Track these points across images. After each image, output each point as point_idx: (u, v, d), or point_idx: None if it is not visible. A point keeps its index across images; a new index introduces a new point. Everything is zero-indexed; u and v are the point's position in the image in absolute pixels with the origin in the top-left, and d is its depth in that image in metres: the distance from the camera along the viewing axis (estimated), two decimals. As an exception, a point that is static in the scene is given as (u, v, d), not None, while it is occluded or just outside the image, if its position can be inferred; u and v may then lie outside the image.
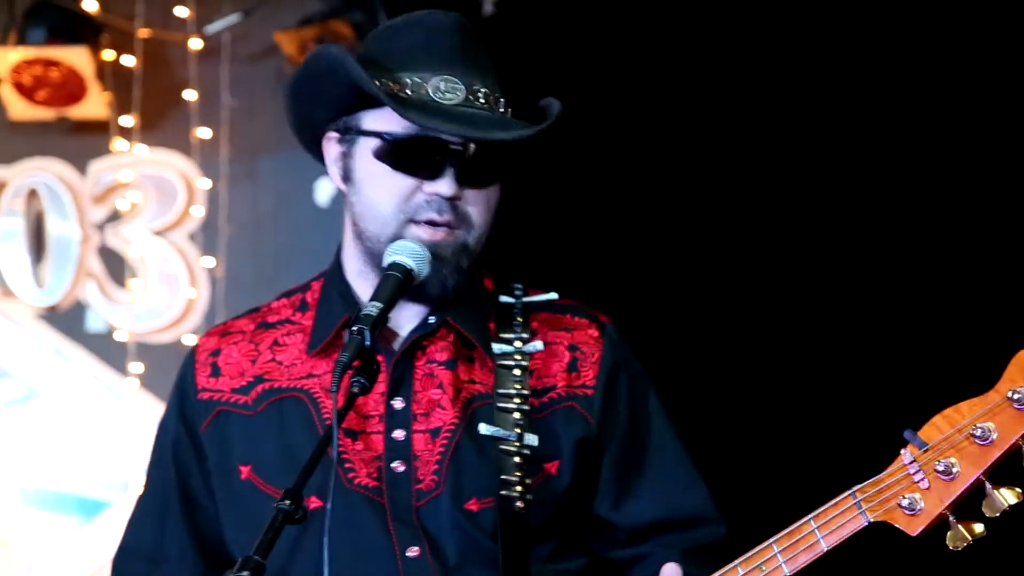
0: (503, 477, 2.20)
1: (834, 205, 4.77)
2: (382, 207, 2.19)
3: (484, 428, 2.19)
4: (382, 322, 2.07)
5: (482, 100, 2.21)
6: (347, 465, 2.22)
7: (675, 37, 4.85)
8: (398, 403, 2.23)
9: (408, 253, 2.15)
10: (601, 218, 4.86)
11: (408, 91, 2.19)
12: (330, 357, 2.24)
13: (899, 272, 4.65)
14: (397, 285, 2.12)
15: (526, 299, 2.39)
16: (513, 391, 2.26)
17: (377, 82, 2.18)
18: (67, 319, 5.05)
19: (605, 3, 4.96)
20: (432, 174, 2.15)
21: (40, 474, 5.01)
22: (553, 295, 2.37)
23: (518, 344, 2.30)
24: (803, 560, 1.98)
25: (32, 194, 4.99)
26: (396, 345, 2.26)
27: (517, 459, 2.22)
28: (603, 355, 2.34)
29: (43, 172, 5.01)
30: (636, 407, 2.35)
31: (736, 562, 2.04)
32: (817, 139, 4.73)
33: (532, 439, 2.21)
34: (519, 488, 2.21)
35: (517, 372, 2.29)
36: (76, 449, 5.04)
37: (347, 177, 2.25)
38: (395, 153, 2.16)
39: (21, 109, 4.91)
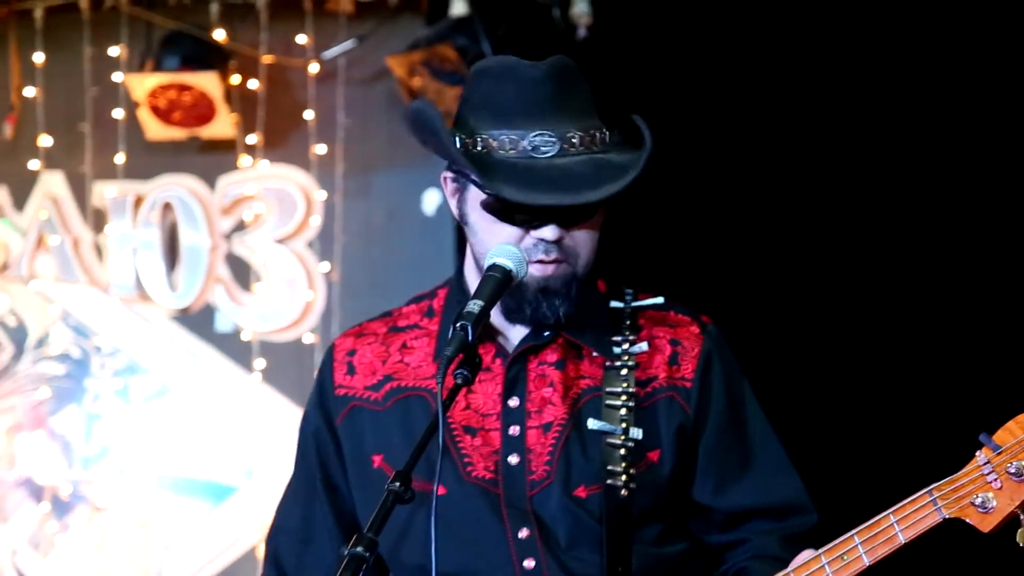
0: (609, 467, 2.30)
1: (924, 206, 4.76)
2: (483, 243, 2.34)
3: (592, 423, 2.29)
4: (483, 318, 2.14)
5: (576, 143, 2.29)
6: (466, 459, 2.35)
7: (764, 46, 4.88)
8: (513, 402, 2.35)
9: (507, 255, 2.23)
10: (706, 225, 4.91)
11: (504, 150, 2.28)
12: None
13: (986, 275, 4.60)
14: (497, 284, 2.20)
15: (635, 303, 2.47)
16: (620, 389, 2.35)
17: (478, 138, 2.29)
18: (197, 320, 5.24)
19: (695, 17, 4.98)
20: (535, 225, 2.26)
21: (174, 462, 5.20)
22: (660, 299, 2.46)
23: (626, 346, 2.39)
24: (882, 552, 2.06)
25: (167, 207, 5.19)
26: (510, 349, 2.37)
27: (623, 451, 2.30)
28: (702, 350, 2.41)
29: (176, 187, 5.23)
30: (732, 399, 2.43)
31: (820, 551, 2.12)
32: (918, 145, 4.70)
33: (637, 433, 2.30)
34: (624, 477, 2.29)
35: (624, 371, 2.37)
36: (206, 439, 5.24)
37: (462, 215, 2.36)
38: (500, 210, 2.27)
39: (157, 130, 5.10)
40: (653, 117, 2.88)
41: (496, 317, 2.33)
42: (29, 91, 5.22)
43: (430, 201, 5.08)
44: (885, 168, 4.91)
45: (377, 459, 2.35)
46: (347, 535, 2.28)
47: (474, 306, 2.12)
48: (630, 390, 2.34)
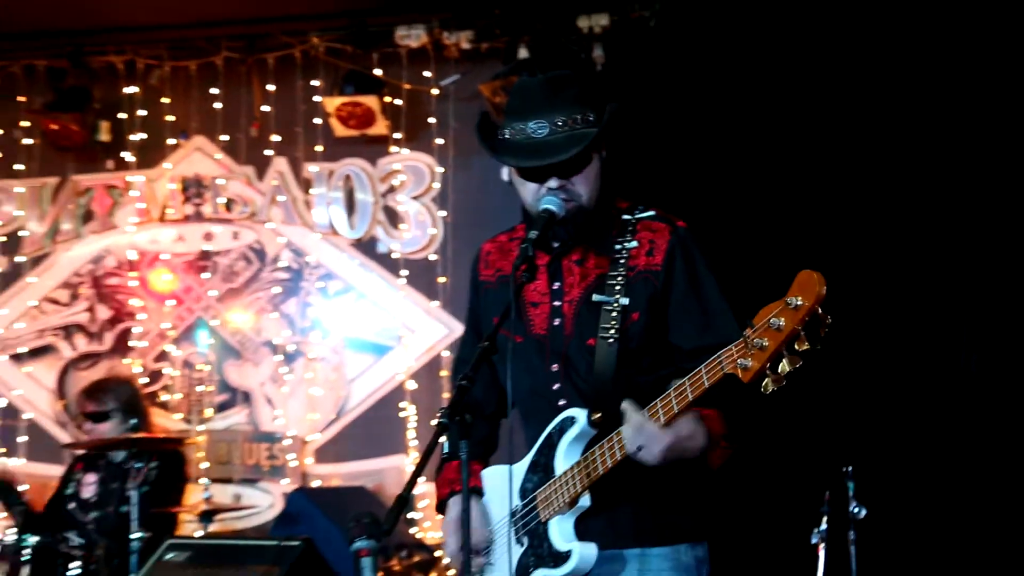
0: (604, 324, 2.62)
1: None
2: (528, 199, 2.65)
3: (595, 297, 2.62)
4: (540, 241, 2.55)
5: (561, 125, 2.58)
6: (531, 321, 2.72)
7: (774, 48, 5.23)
8: (555, 286, 2.70)
9: (550, 203, 2.59)
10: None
11: (514, 135, 2.61)
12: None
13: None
14: (545, 220, 2.58)
15: (637, 216, 2.72)
16: (617, 273, 2.65)
17: (505, 130, 2.62)
18: (366, 246, 6.23)
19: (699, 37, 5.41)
20: (543, 180, 2.60)
21: (353, 331, 6.22)
22: (652, 212, 2.72)
23: (624, 244, 2.67)
24: (700, 389, 2.33)
25: (347, 178, 6.20)
26: (553, 255, 2.68)
27: (614, 313, 2.61)
28: (668, 245, 2.65)
29: (353, 165, 6.22)
30: (691, 279, 2.64)
31: (685, 377, 2.39)
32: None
33: (624, 301, 2.61)
34: (613, 331, 2.61)
35: (621, 261, 2.66)
36: (372, 318, 6.21)
37: (511, 180, 2.73)
38: (520, 173, 2.64)
39: (341, 130, 6.08)
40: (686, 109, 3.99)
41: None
42: (265, 108, 6.29)
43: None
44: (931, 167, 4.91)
45: (496, 319, 2.60)
46: (473, 368, 2.44)
47: (532, 234, 2.54)
48: (623, 273, 2.64)
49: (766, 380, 2.22)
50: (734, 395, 2.40)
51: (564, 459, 2.58)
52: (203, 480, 5.60)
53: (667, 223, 2.69)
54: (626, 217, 2.71)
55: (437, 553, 5.70)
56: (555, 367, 2.67)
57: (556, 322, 2.69)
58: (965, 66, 4.87)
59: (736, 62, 5.39)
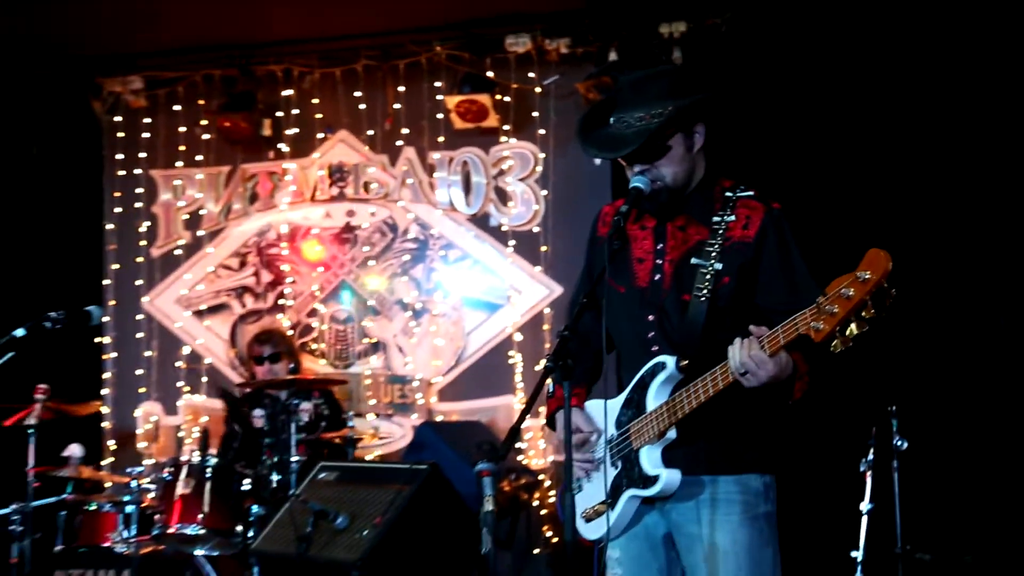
0: (699, 284, 2.59)
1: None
2: (628, 173, 2.64)
3: (693, 260, 2.62)
4: (629, 215, 2.57)
5: (638, 121, 2.55)
6: (636, 275, 2.70)
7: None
8: (659, 246, 2.69)
9: (639, 181, 2.60)
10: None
11: (604, 128, 2.63)
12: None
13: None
14: (634, 196, 2.59)
15: (738, 194, 2.66)
16: (714, 241, 2.62)
17: (610, 120, 2.61)
18: (480, 221, 6.25)
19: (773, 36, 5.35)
20: (631, 164, 2.62)
21: (470, 291, 6.25)
22: (752, 192, 2.66)
23: (723, 218, 2.63)
24: (783, 341, 2.32)
25: (464, 163, 6.25)
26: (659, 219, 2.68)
27: (708, 276, 2.59)
28: (762, 221, 2.61)
29: (469, 153, 6.25)
30: (781, 252, 2.60)
31: (776, 328, 2.36)
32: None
33: (718, 266, 2.59)
34: (706, 290, 2.58)
35: (719, 232, 2.62)
36: (485, 281, 6.24)
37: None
38: (620, 160, 2.64)
39: (459, 124, 6.09)
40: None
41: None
42: (397, 105, 6.32)
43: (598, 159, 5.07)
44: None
45: (605, 271, 2.59)
46: (578, 315, 2.53)
47: (624, 207, 2.57)
48: (719, 242, 2.61)
49: (835, 341, 2.22)
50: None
51: (654, 398, 2.60)
52: (348, 414, 5.69)
53: (763, 203, 2.66)
54: (728, 195, 2.68)
55: (540, 476, 5.76)
56: (651, 317, 2.66)
57: (656, 277, 2.67)
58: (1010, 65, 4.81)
59: (798, 61, 5.35)
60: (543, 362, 2.52)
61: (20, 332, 3.82)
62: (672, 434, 2.58)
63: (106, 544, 4.82)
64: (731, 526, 2.57)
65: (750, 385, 2.43)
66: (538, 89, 6.14)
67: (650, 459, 2.59)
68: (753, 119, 5.21)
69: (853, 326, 2.18)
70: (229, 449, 5.54)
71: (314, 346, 6.46)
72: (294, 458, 5.02)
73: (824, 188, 5.20)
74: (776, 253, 2.60)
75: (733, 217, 2.62)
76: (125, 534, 4.81)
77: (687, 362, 2.56)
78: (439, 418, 6.25)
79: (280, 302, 6.52)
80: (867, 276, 2.15)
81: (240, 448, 5.54)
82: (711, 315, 2.58)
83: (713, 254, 2.60)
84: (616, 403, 2.69)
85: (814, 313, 2.25)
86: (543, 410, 2.86)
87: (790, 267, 2.60)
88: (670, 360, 2.58)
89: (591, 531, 2.69)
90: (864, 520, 4.16)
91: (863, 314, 2.18)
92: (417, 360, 6.33)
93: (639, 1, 5.65)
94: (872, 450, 4.16)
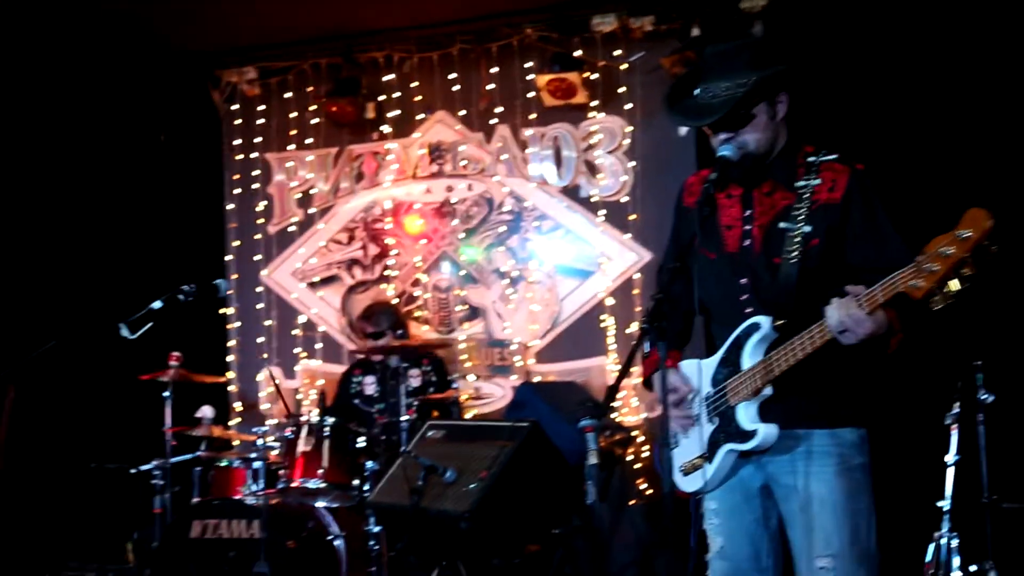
0: (788, 247, 2.56)
1: None
2: (714, 143, 2.61)
3: (781, 224, 2.58)
4: (719, 180, 2.55)
5: (724, 91, 2.52)
6: (725, 241, 2.68)
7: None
8: (747, 212, 2.66)
9: (724, 149, 2.58)
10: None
11: (695, 98, 2.59)
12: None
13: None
14: (721, 163, 2.56)
15: (821, 158, 2.61)
16: (801, 205, 2.58)
17: (695, 92, 2.59)
18: (570, 192, 6.18)
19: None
20: (716, 133, 2.60)
21: (562, 259, 6.19)
22: (835, 155, 2.61)
23: (808, 182, 2.58)
24: (884, 297, 2.27)
25: (555, 138, 6.19)
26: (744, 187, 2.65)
27: (797, 238, 2.55)
28: (848, 182, 2.56)
29: (559, 128, 6.19)
30: (867, 212, 2.55)
31: (875, 286, 2.32)
32: None
33: (807, 229, 2.55)
34: (795, 252, 2.55)
35: (805, 195, 2.58)
36: (577, 249, 6.17)
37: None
38: (706, 129, 2.61)
39: (549, 101, 6.05)
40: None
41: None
42: (490, 86, 6.22)
43: (683, 129, 5.72)
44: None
45: (696, 241, 2.59)
46: (670, 280, 2.55)
47: (713, 175, 2.56)
48: (806, 205, 2.57)
49: (935, 298, 2.20)
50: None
51: (749, 357, 2.59)
52: (453, 377, 5.73)
53: (847, 165, 2.61)
54: (811, 159, 2.63)
55: (633, 433, 5.75)
56: (744, 280, 2.63)
57: (746, 243, 2.64)
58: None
59: (876, 27, 5.20)
60: (635, 325, 2.36)
61: (157, 304, 3.97)
62: (768, 391, 2.55)
63: (237, 497, 4.95)
64: (827, 477, 2.55)
65: (847, 342, 2.40)
66: (624, 66, 6.06)
67: (747, 415, 2.58)
68: (833, 86, 5.08)
69: (952, 283, 2.16)
70: (342, 412, 5.63)
71: (418, 314, 6.49)
72: (404, 418, 5.10)
73: (909, 151, 5.06)
74: (863, 212, 2.55)
75: (818, 181, 2.57)
76: (253, 488, 4.95)
77: (782, 322, 2.54)
78: (536, 379, 6.24)
79: (386, 273, 6.58)
80: (967, 234, 2.12)
81: (347, 410, 5.64)
82: (802, 276, 2.54)
83: (800, 217, 2.55)
84: (711, 362, 2.67)
85: (913, 271, 2.21)
86: (635, 370, 2.85)
87: (877, 226, 2.55)
88: (765, 320, 2.56)
89: (688, 484, 2.69)
90: (950, 471, 4.11)
91: (963, 271, 2.15)
92: (515, 325, 6.32)
93: (720, -25, 5.65)
94: (958, 403, 4.08)
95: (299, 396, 6.62)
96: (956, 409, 4.07)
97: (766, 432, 2.53)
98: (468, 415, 6.06)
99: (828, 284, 2.50)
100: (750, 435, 2.55)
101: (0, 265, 6.27)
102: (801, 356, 2.46)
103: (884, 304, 2.34)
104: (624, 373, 2.46)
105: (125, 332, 4.05)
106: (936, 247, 2.16)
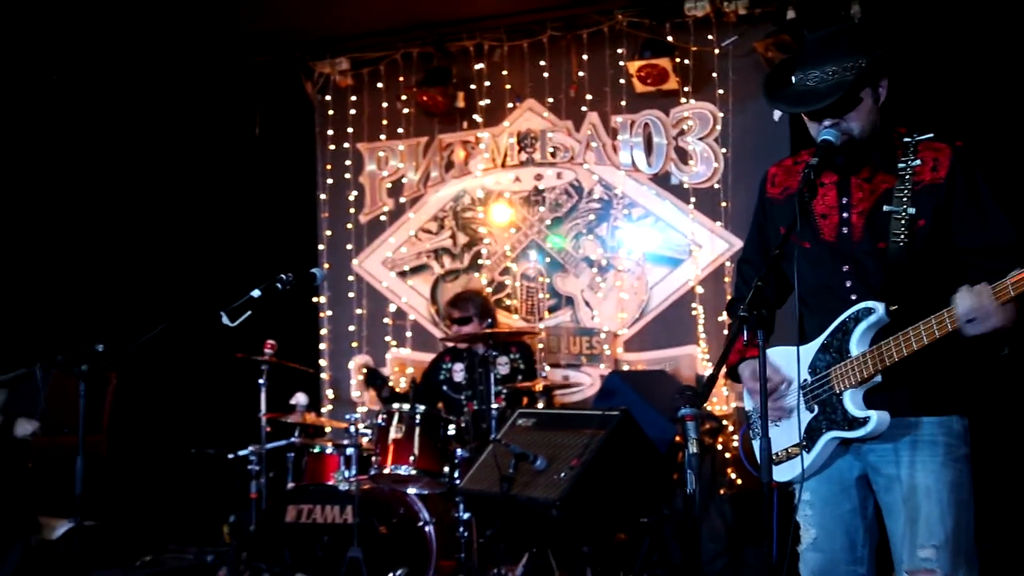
0: (893, 231, 2.52)
1: None
2: (813, 133, 2.58)
3: (885, 207, 2.54)
4: (821, 166, 2.46)
5: (831, 75, 2.49)
6: (821, 230, 2.63)
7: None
8: (844, 200, 2.62)
9: (827, 134, 2.52)
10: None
11: (798, 84, 2.55)
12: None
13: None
14: (824, 149, 2.50)
15: (918, 138, 2.59)
16: (903, 186, 2.54)
17: (792, 78, 2.55)
18: (661, 179, 6.18)
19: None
20: (820, 120, 2.55)
21: (652, 247, 6.19)
22: (931, 135, 2.58)
23: (908, 162, 2.55)
24: (1008, 296, 2.25)
25: (645, 125, 6.18)
26: (840, 174, 2.60)
27: (903, 221, 2.51)
28: (951, 162, 2.52)
29: (650, 115, 6.19)
30: (971, 191, 2.51)
31: (998, 282, 2.30)
32: None
33: (912, 210, 2.51)
34: (902, 235, 2.51)
35: (906, 177, 2.53)
36: (667, 237, 6.16)
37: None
38: (803, 115, 2.59)
39: (640, 87, 6.05)
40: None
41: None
42: (580, 73, 6.21)
43: (776, 114, 5.77)
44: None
45: (782, 229, 2.62)
46: (768, 270, 2.44)
47: (814, 161, 2.48)
48: (909, 187, 2.53)
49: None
50: None
51: (858, 343, 2.54)
52: (542, 365, 5.74)
53: (947, 143, 2.57)
54: (907, 140, 2.59)
55: (723, 422, 5.72)
56: (846, 268, 2.59)
57: (844, 230, 2.60)
58: None
59: (967, 10, 5.15)
60: (724, 314, 2.35)
61: (256, 293, 4.02)
62: (878, 378, 2.51)
63: (330, 483, 5.04)
64: (935, 466, 2.51)
65: (972, 333, 2.37)
66: (717, 51, 6.04)
67: (854, 402, 2.54)
68: (925, 69, 5.00)
69: None
70: (430, 399, 5.71)
71: (508, 302, 6.55)
72: (493, 406, 5.15)
73: (1005, 131, 4.96)
74: (969, 191, 2.51)
75: (919, 161, 2.54)
76: (346, 473, 5.06)
77: (896, 307, 2.49)
78: (625, 367, 6.25)
79: (478, 262, 6.64)
80: None
81: (436, 396, 5.72)
82: (910, 259, 2.50)
83: (904, 199, 2.52)
84: (810, 349, 2.63)
85: None
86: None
87: (983, 205, 2.51)
88: (879, 306, 2.51)
89: (780, 473, 2.67)
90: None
91: None
92: (603, 313, 6.33)
93: (816, -42, 5.55)
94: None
95: (390, 383, 6.73)
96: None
97: (879, 419, 2.49)
98: (557, 404, 6.07)
99: (937, 267, 2.48)
100: (861, 422, 2.51)
101: (106, 257, 6.50)
102: (918, 346, 2.41)
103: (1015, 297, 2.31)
104: (723, 362, 2.43)
105: (225, 320, 4.12)
106: None
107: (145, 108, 6.63)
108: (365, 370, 6.17)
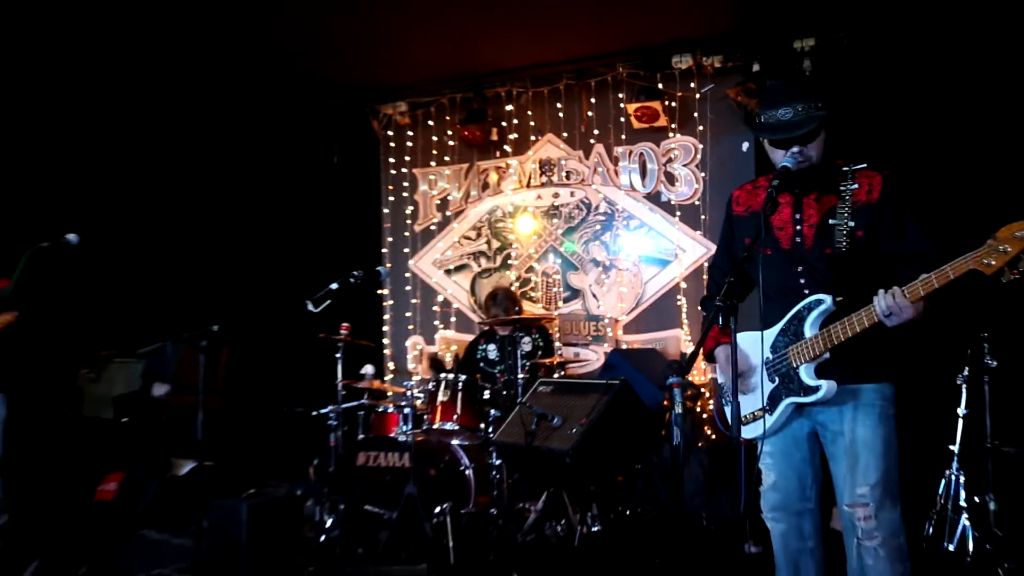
0: (837, 239, 2.48)
1: None
2: (776, 158, 2.52)
3: (830, 221, 2.50)
4: (780, 187, 2.43)
5: (801, 111, 2.45)
6: (778, 239, 2.59)
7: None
8: (797, 215, 2.56)
9: (788, 161, 2.47)
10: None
11: (771, 119, 2.48)
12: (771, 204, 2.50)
13: None
14: (782, 172, 2.45)
15: (854, 167, 2.55)
16: (844, 205, 2.50)
17: (763, 116, 2.48)
18: (653, 197, 6.00)
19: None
20: (788, 147, 2.49)
21: (646, 251, 5.93)
22: (864, 165, 2.54)
23: (848, 186, 2.51)
24: (944, 281, 2.20)
25: (641, 154, 6.00)
26: (793, 195, 2.55)
27: (844, 231, 2.48)
28: (882, 186, 2.49)
29: (644, 146, 6.01)
30: (895, 211, 2.47)
31: (929, 273, 2.24)
32: None
33: (852, 223, 2.47)
34: (844, 242, 2.48)
35: (847, 198, 2.50)
36: (658, 243, 5.95)
37: (767, 149, 2.56)
38: (772, 143, 2.51)
39: (637, 125, 5.89)
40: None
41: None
42: (589, 113, 6.04)
43: (744, 145, 5.64)
44: None
45: (747, 241, 2.57)
46: (737, 271, 2.40)
47: (775, 181, 2.44)
48: (849, 205, 2.49)
49: (1005, 273, 2.13)
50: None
51: (811, 327, 2.53)
52: (558, 344, 5.71)
53: (879, 172, 2.54)
54: (845, 169, 2.56)
55: (701, 389, 5.69)
56: (800, 269, 2.55)
57: (798, 240, 2.56)
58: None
59: (905, 66, 5.05)
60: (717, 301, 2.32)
61: (334, 286, 4.07)
62: (827, 355, 2.49)
63: (391, 435, 4.98)
64: (872, 423, 2.50)
65: (892, 324, 2.36)
66: (698, 95, 5.92)
67: (808, 374, 2.53)
68: (863, 112, 4.94)
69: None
70: (470, 371, 5.70)
71: (532, 294, 6.43)
72: (519, 376, 5.16)
73: (921, 161, 4.86)
74: (895, 209, 2.48)
75: (856, 185, 2.50)
76: (404, 428, 4.97)
77: (840, 299, 2.48)
78: (624, 346, 6.14)
79: (508, 262, 6.53)
80: None
81: (474, 370, 5.67)
82: (852, 261, 2.48)
83: (846, 215, 2.48)
84: (771, 332, 2.62)
85: (984, 252, 2.15)
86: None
87: (906, 221, 2.48)
88: (827, 298, 2.50)
89: (747, 431, 2.67)
90: (960, 421, 4.01)
91: None
92: (606, 303, 6.19)
93: (777, 23, 5.35)
94: (967, 367, 3.99)
95: (439, 356, 6.67)
96: (966, 371, 3.99)
97: (828, 387, 2.48)
98: (569, 375, 6.00)
99: (872, 268, 2.47)
100: (814, 390, 2.49)
101: (223, 258, 6.55)
102: (851, 333, 2.41)
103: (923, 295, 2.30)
104: (702, 342, 2.43)
105: (310, 307, 4.17)
106: (1010, 232, 2.10)
107: (255, 145, 6.65)
108: (431, 358, 6.10)
